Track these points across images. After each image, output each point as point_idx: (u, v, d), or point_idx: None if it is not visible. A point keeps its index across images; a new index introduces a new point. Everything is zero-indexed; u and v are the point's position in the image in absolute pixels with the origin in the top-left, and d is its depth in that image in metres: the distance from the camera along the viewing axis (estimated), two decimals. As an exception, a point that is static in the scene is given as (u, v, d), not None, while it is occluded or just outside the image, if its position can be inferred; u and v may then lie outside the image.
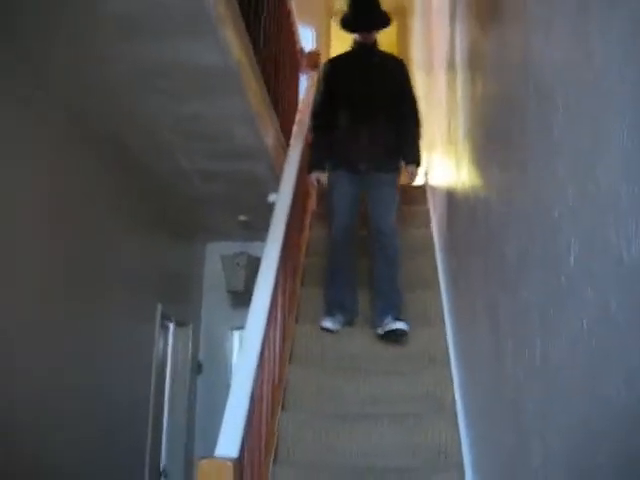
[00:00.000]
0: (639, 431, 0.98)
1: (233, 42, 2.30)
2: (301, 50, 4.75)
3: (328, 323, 3.18)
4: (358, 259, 3.50)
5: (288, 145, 3.70)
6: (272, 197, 3.74)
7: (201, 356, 5.04)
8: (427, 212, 4.37)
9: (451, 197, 3.29)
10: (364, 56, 3.50)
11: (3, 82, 2.29)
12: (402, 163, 3.51)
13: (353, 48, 3.56)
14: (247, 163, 3.29)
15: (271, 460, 2.56)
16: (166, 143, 2.98)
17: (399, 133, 3.40)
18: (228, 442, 1.88)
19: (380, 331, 3.12)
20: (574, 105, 1.32)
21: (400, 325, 3.06)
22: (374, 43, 3.53)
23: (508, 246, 1.93)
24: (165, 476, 4.42)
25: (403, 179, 3.68)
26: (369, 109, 3.36)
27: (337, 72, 3.51)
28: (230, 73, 2.38)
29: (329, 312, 3.26)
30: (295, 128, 3.80)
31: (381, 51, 3.64)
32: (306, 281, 3.83)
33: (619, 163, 1.08)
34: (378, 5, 3.49)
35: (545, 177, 1.55)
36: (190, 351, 4.82)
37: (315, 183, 3.52)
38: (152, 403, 3.97)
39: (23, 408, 2.46)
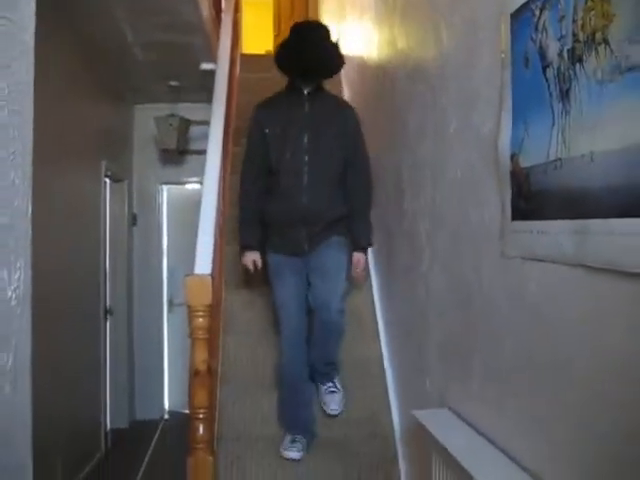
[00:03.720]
0: (489, 239, 1.72)
1: None
2: None
3: (292, 454, 2.63)
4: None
5: (218, 19, 4.03)
6: (205, 65, 4.14)
7: (135, 209, 5.52)
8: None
9: (362, 64, 3.72)
10: (304, 105, 2.71)
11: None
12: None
13: (289, 90, 2.76)
14: (186, 35, 3.61)
15: (223, 281, 3.24)
16: (117, 19, 3.30)
17: (348, 203, 2.77)
18: (203, 264, 2.37)
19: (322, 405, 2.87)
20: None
21: (334, 411, 2.82)
22: (317, 86, 2.75)
23: (409, 119, 2.58)
24: (111, 313, 5.02)
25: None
26: (311, 173, 2.65)
27: (269, 125, 2.70)
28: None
29: (291, 438, 2.69)
30: (224, 3, 4.11)
31: (325, 96, 2.79)
32: (235, 141, 4.32)
33: (482, 80, 1.74)
34: (325, 44, 2.67)
35: (436, 75, 2.19)
36: (126, 205, 5.29)
37: (251, 266, 2.79)
38: (102, 252, 4.48)
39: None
